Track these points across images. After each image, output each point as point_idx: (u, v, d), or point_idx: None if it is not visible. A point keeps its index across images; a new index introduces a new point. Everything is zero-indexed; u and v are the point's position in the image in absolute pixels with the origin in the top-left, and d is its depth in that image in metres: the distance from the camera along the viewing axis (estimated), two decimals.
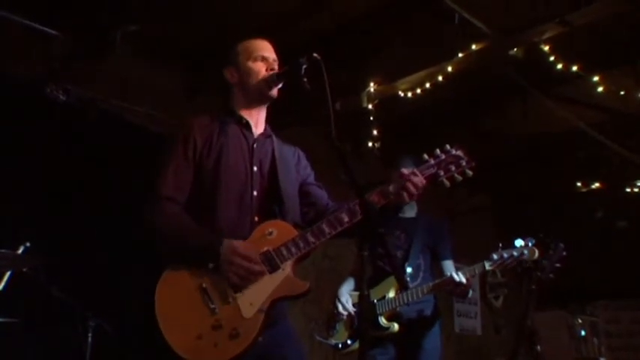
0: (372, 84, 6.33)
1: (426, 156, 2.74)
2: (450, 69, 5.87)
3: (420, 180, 2.63)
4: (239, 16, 5.47)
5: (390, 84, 6.30)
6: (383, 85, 6.34)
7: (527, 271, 4.25)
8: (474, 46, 5.71)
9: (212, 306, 2.51)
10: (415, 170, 2.66)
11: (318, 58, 2.58)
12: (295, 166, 3.03)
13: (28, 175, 5.16)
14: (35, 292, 4.41)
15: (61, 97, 5.21)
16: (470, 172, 2.69)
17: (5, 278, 4.19)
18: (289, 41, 5.19)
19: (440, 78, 5.99)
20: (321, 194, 3.04)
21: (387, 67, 6.25)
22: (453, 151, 2.71)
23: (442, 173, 2.68)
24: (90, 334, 4.66)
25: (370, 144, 6.65)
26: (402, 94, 6.29)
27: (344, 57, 5.73)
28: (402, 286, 4.11)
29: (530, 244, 3.95)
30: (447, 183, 2.69)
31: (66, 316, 4.71)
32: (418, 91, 6.20)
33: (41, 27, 5.26)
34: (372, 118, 6.46)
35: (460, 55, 5.80)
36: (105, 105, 5.71)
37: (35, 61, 5.58)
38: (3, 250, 4.08)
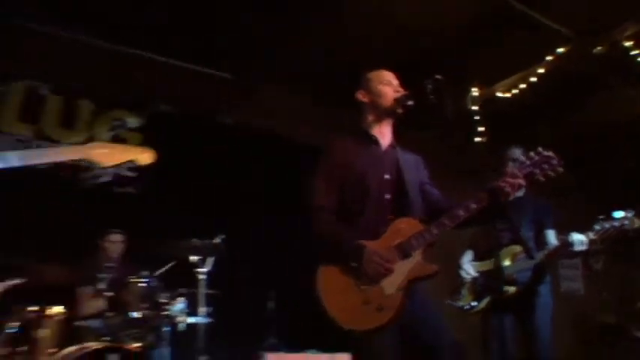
0: (474, 89, 6.74)
1: (523, 157, 2.95)
2: (540, 70, 6.25)
3: (520, 182, 2.87)
4: (354, 44, 6.06)
5: (490, 88, 6.76)
6: (484, 89, 6.78)
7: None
8: (560, 49, 6.05)
9: (362, 287, 2.82)
10: (515, 171, 2.88)
11: (441, 78, 2.96)
12: (417, 170, 3.24)
13: (217, 184, 5.99)
14: (230, 271, 5.11)
15: (228, 121, 6.23)
16: (560, 169, 2.84)
17: (211, 261, 4.94)
18: (407, 58, 5.68)
19: (532, 79, 6.40)
20: (435, 192, 3.25)
21: (485, 74, 6.71)
22: (545, 152, 2.88)
23: (537, 171, 2.86)
24: (270, 303, 5.52)
25: (478, 139, 6.90)
26: (501, 95, 6.76)
27: (450, 68, 6.24)
28: (529, 255, 4.33)
29: (630, 215, 4.11)
30: (542, 179, 2.86)
31: (252, 290, 5.61)
32: (514, 91, 6.65)
33: (211, 70, 6.21)
34: (477, 118, 6.82)
35: (548, 58, 6.15)
36: (260, 125, 6.62)
37: (206, 97, 6.50)
38: (206, 241, 4.89)
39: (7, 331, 4.46)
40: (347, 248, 2.91)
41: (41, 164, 2.71)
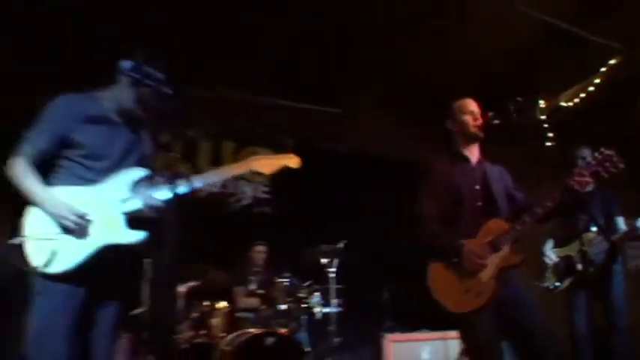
0: (541, 101, 6.85)
1: (588, 158, 3.02)
2: (597, 81, 6.36)
3: (587, 180, 2.93)
4: (443, 71, 6.22)
5: (554, 99, 6.84)
6: (549, 101, 6.86)
7: None
8: (611, 61, 6.14)
9: (463, 279, 3.04)
10: (582, 171, 2.94)
11: (521, 100, 3.11)
12: (501, 179, 3.36)
13: (337, 199, 6.46)
14: (353, 269, 5.38)
15: (342, 147, 6.55)
16: (621, 165, 2.88)
17: (337, 262, 5.18)
18: (486, 80, 5.99)
19: (590, 89, 6.50)
20: (519, 195, 3.35)
21: (550, 87, 6.80)
22: (606, 152, 2.91)
23: (601, 170, 2.91)
24: (386, 293, 5.86)
25: (549, 144, 6.91)
26: (564, 104, 6.91)
27: (518, 87, 6.15)
28: (608, 239, 4.44)
29: None
30: (606, 175, 2.91)
31: (370, 283, 5.96)
32: (576, 100, 6.73)
33: (324, 107, 6.63)
34: (546, 126, 6.87)
35: (602, 69, 6.24)
36: (368, 148, 6.95)
37: (322, 129, 6.87)
38: (331, 246, 5.24)
39: (191, 319, 5.10)
40: (449, 248, 3.12)
41: (217, 182, 2.88)
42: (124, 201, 2.73)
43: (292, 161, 2.98)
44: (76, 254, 2.58)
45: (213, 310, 5.16)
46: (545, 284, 4.84)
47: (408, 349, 5.42)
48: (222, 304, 5.22)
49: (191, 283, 5.14)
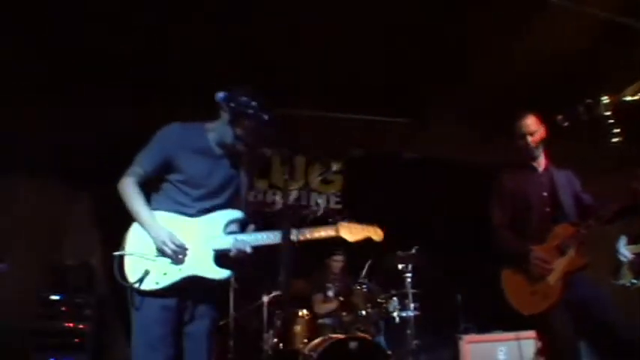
0: (604, 97, 6.79)
1: None
2: None
3: None
4: (506, 79, 6.07)
5: (618, 94, 6.77)
6: (613, 96, 6.79)
7: None
8: None
9: (531, 282, 3.23)
10: None
11: (591, 101, 3.29)
12: (569, 184, 3.48)
13: (408, 206, 6.54)
14: (427, 273, 5.43)
15: (409, 155, 6.72)
16: None
17: (412, 267, 5.26)
18: (551, 82, 6.02)
19: None
20: (586, 197, 3.47)
21: (614, 83, 6.68)
22: None
23: None
24: (459, 297, 5.96)
25: (615, 140, 6.84)
26: (629, 99, 6.75)
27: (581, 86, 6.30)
28: None
29: None
30: None
31: (444, 287, 5.97)
32: None
33: (390, 118, 6.79)
34: (611, 122, 6.81)
35: None
36: (436, 156, 7.04)
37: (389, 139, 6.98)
38: (407, 252, 5.33)
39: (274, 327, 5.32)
40: (518, 255, 3.31)
41: (307, 240, 3.00)
42: (216, 238, 2.89)
43: (376, 234, 3.08)
44: (166, 277, 2.77)
45: (295, 318, 5.35)
46: (622, 282, 4.80)
47: (484, 349, 5.48)
48: (304, 311, 5.41)
49: (274, 293, 5.36)
